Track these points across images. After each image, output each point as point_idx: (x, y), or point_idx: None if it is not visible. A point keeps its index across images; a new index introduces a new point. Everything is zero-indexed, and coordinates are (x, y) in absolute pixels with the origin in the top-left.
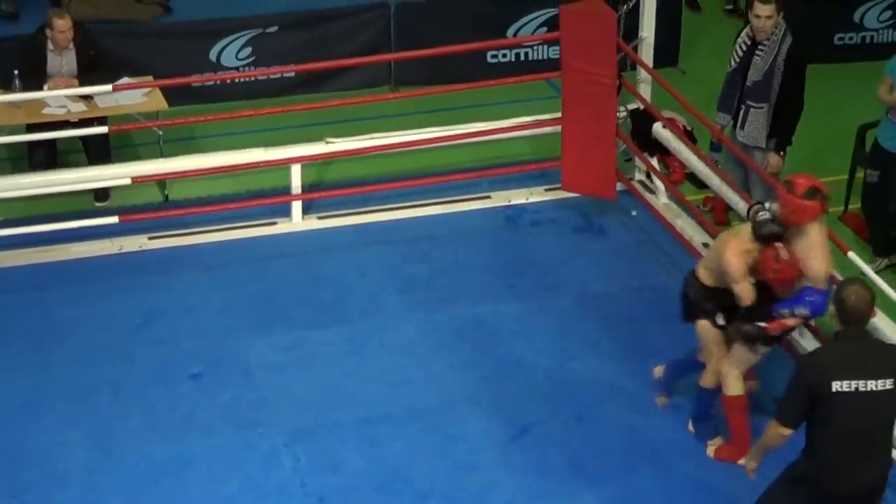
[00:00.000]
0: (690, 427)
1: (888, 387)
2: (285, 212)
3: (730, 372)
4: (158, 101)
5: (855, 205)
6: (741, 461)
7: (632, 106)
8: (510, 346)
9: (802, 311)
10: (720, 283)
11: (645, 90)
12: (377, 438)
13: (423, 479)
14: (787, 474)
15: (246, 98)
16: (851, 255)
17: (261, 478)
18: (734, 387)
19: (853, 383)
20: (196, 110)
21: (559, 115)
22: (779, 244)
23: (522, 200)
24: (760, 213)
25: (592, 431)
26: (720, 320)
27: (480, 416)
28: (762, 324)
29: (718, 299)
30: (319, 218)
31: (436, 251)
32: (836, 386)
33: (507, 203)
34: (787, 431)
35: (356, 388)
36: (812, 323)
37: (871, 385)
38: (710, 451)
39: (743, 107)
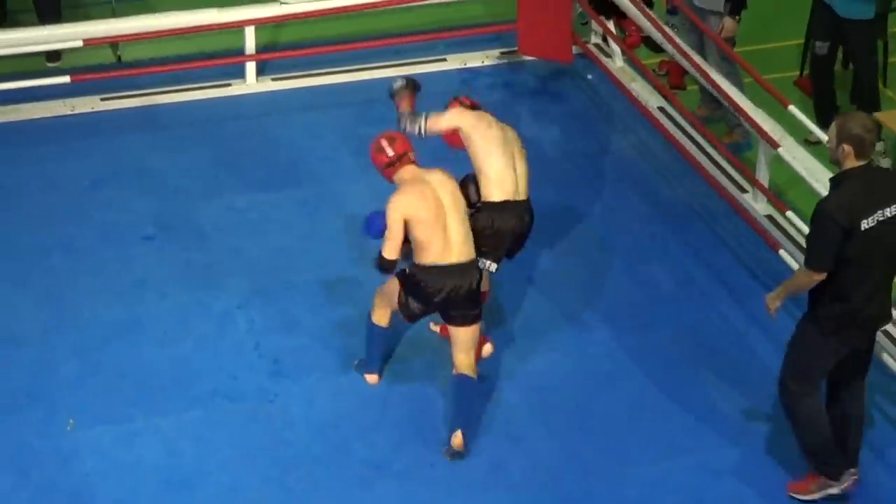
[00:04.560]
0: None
1: None
2: (239, 73)
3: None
4: None
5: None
6: None
7: None
8: None
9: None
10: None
11: None
12: (332, 301)
13: None
14: (803, 334)
15: None
16: (792, 108)
17: (215, 339)
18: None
19: (875, 216)
20: None
21: None
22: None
23: (478, 63)
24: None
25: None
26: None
27: None
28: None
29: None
30: (274, 80)
31: (391, 114)
32: (865, 224)
33: (462, 66)
34: (819, 276)
35: (310, 251)
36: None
37: (889, 212)
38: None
39: None
